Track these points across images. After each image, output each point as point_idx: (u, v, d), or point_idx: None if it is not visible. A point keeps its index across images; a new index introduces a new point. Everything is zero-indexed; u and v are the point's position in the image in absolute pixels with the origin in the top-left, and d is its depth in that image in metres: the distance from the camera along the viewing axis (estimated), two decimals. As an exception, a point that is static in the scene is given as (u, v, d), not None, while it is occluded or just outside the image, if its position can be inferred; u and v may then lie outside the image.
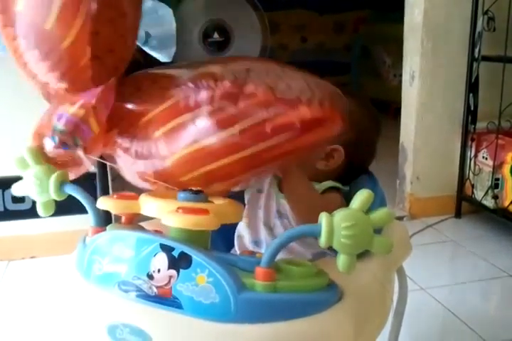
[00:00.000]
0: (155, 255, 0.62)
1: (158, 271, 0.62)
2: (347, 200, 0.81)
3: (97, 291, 0.66)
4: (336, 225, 0.57)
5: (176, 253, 0.62)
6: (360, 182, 0.90)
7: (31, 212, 1.76)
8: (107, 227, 0.71)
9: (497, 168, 1.95)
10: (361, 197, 0.58)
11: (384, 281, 0.79)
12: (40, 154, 0.74)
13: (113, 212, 0.70)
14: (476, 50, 1.99)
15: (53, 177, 0.71)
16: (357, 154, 0.89)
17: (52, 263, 1.72)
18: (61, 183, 0.72)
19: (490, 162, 1.98)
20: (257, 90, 0.63)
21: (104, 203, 0.69)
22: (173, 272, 0.61)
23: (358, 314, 0.67)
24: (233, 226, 0.91)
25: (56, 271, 1.65)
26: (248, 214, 0.89)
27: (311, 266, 0.64)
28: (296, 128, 0.64)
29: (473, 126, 2.06)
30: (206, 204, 0.66)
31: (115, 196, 0.70)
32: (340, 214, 0.57)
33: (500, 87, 1.92)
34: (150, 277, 0.62)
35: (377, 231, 0.75)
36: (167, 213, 0.62)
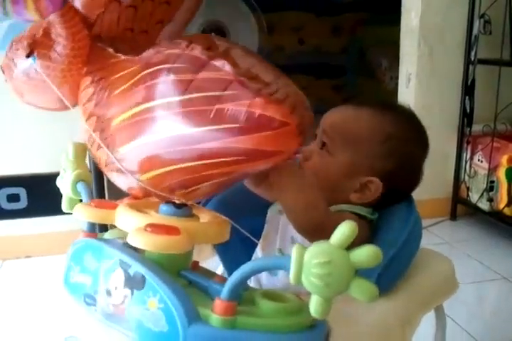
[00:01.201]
0: (114, 271, 0.58)
1: (116, 288, 0.57)
2: (375, 230, 0.75)
3: (68, 300, 0.63)
4: (306, 261, 0.47)
5: (131, 272, 0.56)
6: (392, 211, 0.78)
7: (26, 212, 1.76)
8: (106, 233, 0.69)
9: (492, 170, 1.96)
10: (343, 229, 0.47)
11: (398, 323, 0.70)
12: (81, 151, 0.73)
13: (88, 220, 0.65)
14: (472, 53, 1.99)
15: (74, 173, 0.71)
16: (398, 183, 0.77)
17: (47, 263, 1.71)
18: (79, 181, 0.71)
19: (485, 165, 1.99)
20: (224, 66, 0.53)
21: (79, 211, 0.63)
22: (128, 291, 0.56)
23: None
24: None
25: (51, 270, 1.65)
26: (265, 237, 0.81)
27: (293, 301, 0.55)
28: (243, 121, 0.52)
29: (468, 129, 2.07)
30: (182, 222, 0.58)
31: (93, 203, 0.64)
32: (313, 248, 0.48)
33: (496, 90, 1.93)
34: (108, 293, 0.58)
35: (374, 270, 0.66)
36: (134, 231, 0.55)
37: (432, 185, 2.15)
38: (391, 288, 0.71)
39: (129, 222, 0.59)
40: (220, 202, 0.82)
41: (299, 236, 0.74)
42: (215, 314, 0.52)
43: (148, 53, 0.59)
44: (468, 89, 2.04)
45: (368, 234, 0.73)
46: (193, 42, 0.55)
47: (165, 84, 0.54)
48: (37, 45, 0.64)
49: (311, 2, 3.67)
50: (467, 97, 2.04)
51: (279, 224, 0.80)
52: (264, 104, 0.51)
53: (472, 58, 2.00)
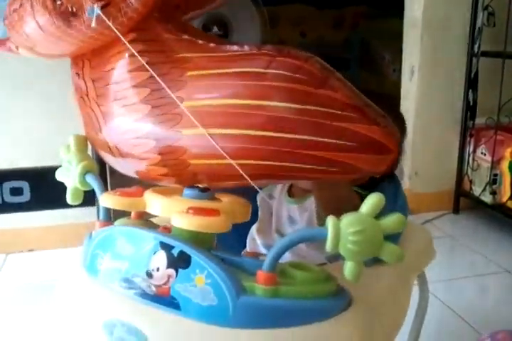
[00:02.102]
0: (155, 253, 0.61)
1: (158, 269, 0.60)
2: None
3: (98, 287, 0.65)
4: (343, 230, 0.53)
5: (175, 252, 0.60)
6: (381, 188, 0.84)
7: (29, 205, 1.76)
8: (116, 222, 0.70)
9: (495, 163, 1.96)
10: (371, 201, 0.54)
11: (399, 288, 0.76)
12: (83, 143, 0.73)
13: (117, 208, 0.67)
14: (476, 46, 1.99)
15: (81, 164, 0.71)
16: None
17: (50, 257, 1.72)
18: (86, 172, 0.72)
19: (488, 157, 1.99)
20: (342, 88, 0.57)
21: (107, 200, 0.66)
22: (171, 271, 0.59)
23: (367, 322, 0.64)
24: (248, 224, 0.88)
25: (54, 264, 1.66)
26: (261, 219, 0.86)
27: (318, 271, 0.61)
28: (358, 141, 0.57)
29: (472, 122, 2.07)
30: (216, 204, 0.63)
31: (118, 192, 0.67)
32: (348, 219, 0.54)
33: (500, 83, 1.92)
34: (149, 275, 0.60)
35: (396, 236, 0.73)
36: (177, 213, 0.60)
37: (435, 178, 2.15)
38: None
39: (167, 206, 0.63)
40: None
41: (296, 215, 0.83)
42: (260, 285, 0.57)
43: (243, 50, 0.59)
44: (471, 82, 2.03)
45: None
46: (309, 59, 0.57)
47: (285, 90, 0.56)
48: None
49: (313, -5, 3.64)
50: (470, 90, 2.04)
51: (271, 208, 0.86)
52: (382, 132, 0.58)
53: (475, 51, 1.99)
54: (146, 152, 0.62)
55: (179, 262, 0.59)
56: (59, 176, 0.75)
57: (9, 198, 1.76)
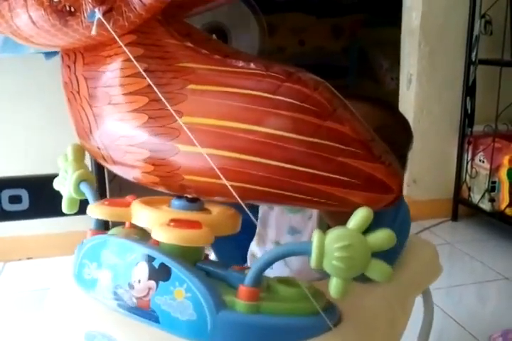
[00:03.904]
0: (137, 264, 0.59)
1: (139, 281, 0.59)
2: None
3: (83, 296, 0.64)
4: (327, 245, 0.51)
5: (156, 264, 0.58)
6: None
7: (28, 213, 1.76)
8: (111, 230, 0.69)
9: (494, 171, 1.96)
10: (359, 215, 0.52)
11: (396, 306, 0.74)
12: (80, 153, 0.72)
13: (104, 219, 0.66)
14: (473, 54, 2.00)
15: (76, 173, 0.71)
16: None
17: (49, 265, 1.71)
18: (81, 181, 0.71)
19: (487, 165, 1.99)
20: (348, 121, 0.55)
21: (94, 210, 0.64)
22: (152, 283, 0.58)
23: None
24: (250, 235, 0.86)
25: (52, 272, 1.65)
26: (259, 232, 0.85)
27: (306, 287, 0.58)
28: (361, 179, 0.55)
29: (470, 129, 2.07)
30: (200, 216, 0.61)
31: (106, 202, 0.66)
32: (333, 234, 0.51)
33: (497, 91, 1.93)
34: (131, 287, 0.59)
35: (391, 253, 0.71)
36: (157, 226, 0.58)
37: (433, 185, 2.15)
38: None
39: (149, 218, 0.61)
40: None
41: (299, 226, 0.81)
42: (240, 300, 0.55)
43: (249, 67, 0.56)
44: (469, 90, 2.04)
45: None
46: (318, 86, 0.55)
47: (290, 119, 0.54)
48: (110, 1, 0.55)
49: (312, 4, 3.68)
50: (468, 98, 2.04)
51: (271, 220, 0.84)
52: (387, 171, 0.56)
53: (473, 59, 2.00)
54: (139, 160, 0.59)
55: (159, 274, 0.58)
56: (56, 185, 0.74)
57: (8, 206, 1.75)
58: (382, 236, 0.52)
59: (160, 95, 0.55)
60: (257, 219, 0.85)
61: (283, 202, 0.58)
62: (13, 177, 1.74)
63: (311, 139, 0.53)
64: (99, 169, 1.54)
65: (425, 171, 2.13)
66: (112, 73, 0.58)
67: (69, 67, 0.62)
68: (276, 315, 0.56)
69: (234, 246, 0.85)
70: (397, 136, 0.83)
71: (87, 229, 0.71)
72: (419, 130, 2.09)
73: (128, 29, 0.56)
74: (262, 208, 0.85)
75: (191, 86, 0.55)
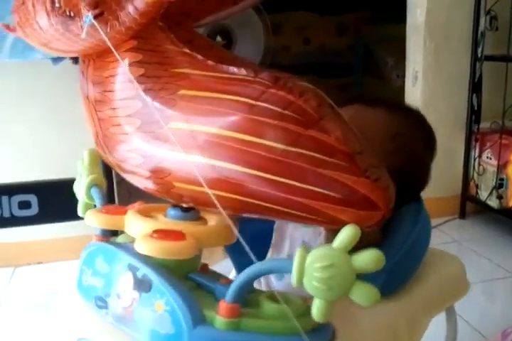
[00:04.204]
0: (123, 274, 0.59)
1: (124, 291, 0.58)
2: (386, 231, 0.74)
3: (80, 303, 0.64)
4: (308, 264, 0.48)
5: (139, 275, 0.57)
6: (401, 212, 0.77)
7: (38, 218, 1.77)
8: (119, 237, 0.69)
9: (501, 167, 1.95)
10: (345, 234, 0.48)
11: (404, 324, 0.69)
12: (95, 157, 0.73)
13: (100, 227, 0.66)
14: (479, 50, 1.99)
15: (89, 178, 0.72)
16: (406, 181, 0.74)
17: (59, 269, 1.73)
18: (92, 186, 0.72)
19: (494, 162, 1.98)
20: (334, 131, 0.51)
21: (90, 217, 0.64)
22: (136, 294, 0.57)
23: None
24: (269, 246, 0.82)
25: (63, 276, 1.66)
26: (274, 245, 0.81)
27: (297, 304, 0.55)
28: (343, 193, 0.51)
29: (476, 126, 2.06)
30: (188, 226, 0.58)
31: (104, 210, 0.65)
32: (316, 252, 0.48)
33: (504, 87, 1.92)
34: (118, 296, 0.59)
35: (412, 261, 0.70)
36: (140, 238, 0.56)
37: (441, 183, 2.14)
38: (398, 290, 0.71)
39: (137, 228, 0.59)
40: None
41: (311, 241, 0.77)
42: (219, 316, 0.53)
43: (238, 73, 0.54)
44: (475, 86, 2.03)
45: (378, 236, 0.73)
46: (305, 93, 0.52)
47: (270, 127, 0.51)
48: (104, 6, 0.56)
49: (316, 2, 3.67)
50: (474, 94, 2.03)
51: (286, 232, 0.81)
52: (372, 187, 0.51)
53: (479, 55, 1.99)
54: (137, 166, 0.59)
55: (142, 285, 0.57)
56: (75, 189, 0.76)
57: (17, 212, 1.77)
58: (368, 258, 0.47)
59: (147, 100, 0.56)
60: (272, 231, 0.82)
61: (270, 215, 0.56)
62: (22, 182, 1.76)
63: (290, 148, 0.50)
64: (107, 173, 1.55)
65: (432, 169, 2.11)
66: (112, 78, 0.59)
67: (83, 72, 0.63)
68: (258, 332, 0.53)
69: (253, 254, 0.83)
70: (415, 145, 0.80)
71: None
72: (426, 127, 2.08)
73: (126, 34, 0.57)
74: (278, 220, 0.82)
75: (182, 91, 0.55)
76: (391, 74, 3.43)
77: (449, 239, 1.94)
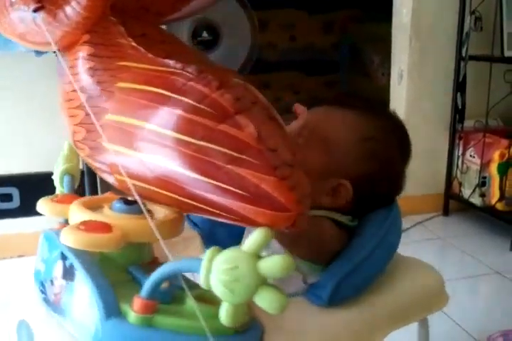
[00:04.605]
0: (56, 262, 0.60)
1: (56, 278, 0.60)
2: (352, 237, 0.72)
3: (31, 287, 0.67)
4: (215, 266, 0.46)
5: (67, 264, 0.58)
6: (370, 218, 0.76)
7: (19, 211, 1.75)
8: None
9: (484, 166, 1.97)
10: (254, 237, 0.47)
11: (364, 336, 0.67)
12: (74, 148, 0.74)
13: (50, 216, 0.65)
14: (464, 50, 2.00)
15: (63, 167, 0.73)
16: (375, 188, 0.75)
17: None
18: (65, 174, 0.72)
19: (477, 160, 2.00)
20: (247, 126, 0.50)
21: (39, 204, 0.64)
22: (64, 282, 0.59)
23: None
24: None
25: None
26: (244, 240, 0.79)
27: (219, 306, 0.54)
28: (250, 192, 0.49)
29: (460, 125, 2.08)
30: (117, 219, 0.57)
31: (55, 198, 0.65)
32: (224, 254, 0.47)
33: (487, 86, 1.94)
34: (51, 283, 0.61)
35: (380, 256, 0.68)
36: (66, 228, 0.55)
37: (425, 180, 2.17)
38: (350, 298, 0.68)
39: (74, 218, 0.58)
40: None
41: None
42: (132, 311, 0.53)
43: (170, 66, 0.54)
44: (459, 86, 2.05)
45: (343, 242, 0.71)
46: (223, 84, 0.51)
47: (183, 120, 0.50)
48: (48, 1, 0.58)
49: (303, -1, 3.67)
50: (459, 93, 2.05)
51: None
52: (277, 185, 0.49)
53: (463, 54, 2.01)
54: (89, 157, 0.60)
55: (68, 274, 0.58)
56: (53, 177, 0.76)
57: (-1, 204, 1.75)
58: (275, 262, 0.46)
59: (80, 94, 0.57)
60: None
61: (200, 213, 0.54)
62: (3, 175, 1.73)
63: (203, 143, 0.49)
64: (87, 166, 1.54)
65: (416, 166, 2.11)
66: (68, 70, 0.61)
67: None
68: (171, 330, 0.53)
69: (226, 235, 0.80)
70: (389, 152, 0.76)
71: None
72: (410, 126, 2.08)
73: (77, 28, 0.59)
74: None
75: (120, 84, 0.56)
76: (377, 73, 3.45)
77: (432, 235, 1.96)
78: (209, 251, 0.48)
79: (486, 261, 1.73)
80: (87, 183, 1.58)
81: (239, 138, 0.49)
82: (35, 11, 0.57)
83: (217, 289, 0.46)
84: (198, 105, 0.50)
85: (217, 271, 0.46)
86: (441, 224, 2.09)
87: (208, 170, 0.50)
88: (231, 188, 0.49)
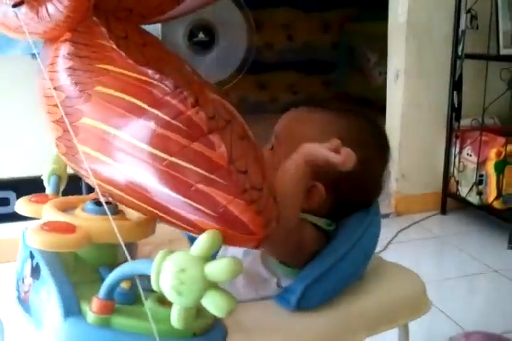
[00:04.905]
0: (26, 260, 0.62)
1: (26, 276, 0.62)
2: (330, 241, 0.72)
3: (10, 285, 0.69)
4: (165, 268, 0.47)
5: (34, 263, 0.59)
6: (347, 222, 0.75)
7: (16, 215, 1.75)
8: None
9: (481, 164, 1.98)
10: (203, 240, 0.48)
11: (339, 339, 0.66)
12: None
13: (27, 215, 0.66)
14: (460, 48, 2.01)
15: (51, 167, 0.74)
16: (350, 191, 0.74)
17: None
18: (52, 175, 0.74)
19: (474, 158, 2.01)
20: (220, 147, 0.50)
21: (17, 204, 0.66)
22: (31, 281, 0.60)
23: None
24: None
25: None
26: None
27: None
28: (217, 212, 0.50)
29: (457, 124, 2.09)
30: (82, 220, 0.58)
31: (33, 198, 0.67)
32: (173, 257, 0.48)
33: (484, 85, 1.95)
34: (22, 281, 0.63)
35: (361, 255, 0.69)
36: (30, 229, 0.55)
37: (422, 179, 2.17)
38: (322, 302, 0.68)
39: (45, 219, 0.60)
40: None
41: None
42: (90, 311, 0.54)
43: (149, 76, 0.54)
44: (456, 84, 2.05)
45: (319, 246, 0.71)
46: (199, 101, 0.51)
47: (157, 135, 0.50)
48: None
49: (299, -2, 3.67)
50: (455, 92, 2.06)
51: None
52: (245, 209, 0.50)
53: (459, 53, 2.01)
54: (64, 155, 0.60)
55: (35, 273, 0.59)
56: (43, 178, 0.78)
57: (-5, 209, 1.74)
58: (222, 266, 0.46)
59: (55, 96, 0.57)
60: None
61: (167, 223, 0.54)
62: (0, 179, 1.73)
63: (173, 159, 0.49)
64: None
65: (413, 165, 2.14)
66: (48, 68, 0.60)
67: None
68: (127, 332, 0.54)
69: None
70: (365, 152, 0.73)
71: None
72: (407, 125, 2.10)
73: (59, 26, 0.58)
74: None
75: (98, 88, 0.55)
76: (373, 72, 3.45)
77: (430, 234, 1.96)
78: (160, 253, 0.48)
79: (483, 259, 1.74)
80: (85, 183, 1.58)
81: (210, 158, 0.49)
82: (15, 6, 0.58)
83: (166, 291, 0.47)
84: (173, 121, 0.50)
85: (165, 273, 0.47)
86: (439, 222, 2.09)
87: (178, 186, 0.50)
88: (199, 206, 0.50)
